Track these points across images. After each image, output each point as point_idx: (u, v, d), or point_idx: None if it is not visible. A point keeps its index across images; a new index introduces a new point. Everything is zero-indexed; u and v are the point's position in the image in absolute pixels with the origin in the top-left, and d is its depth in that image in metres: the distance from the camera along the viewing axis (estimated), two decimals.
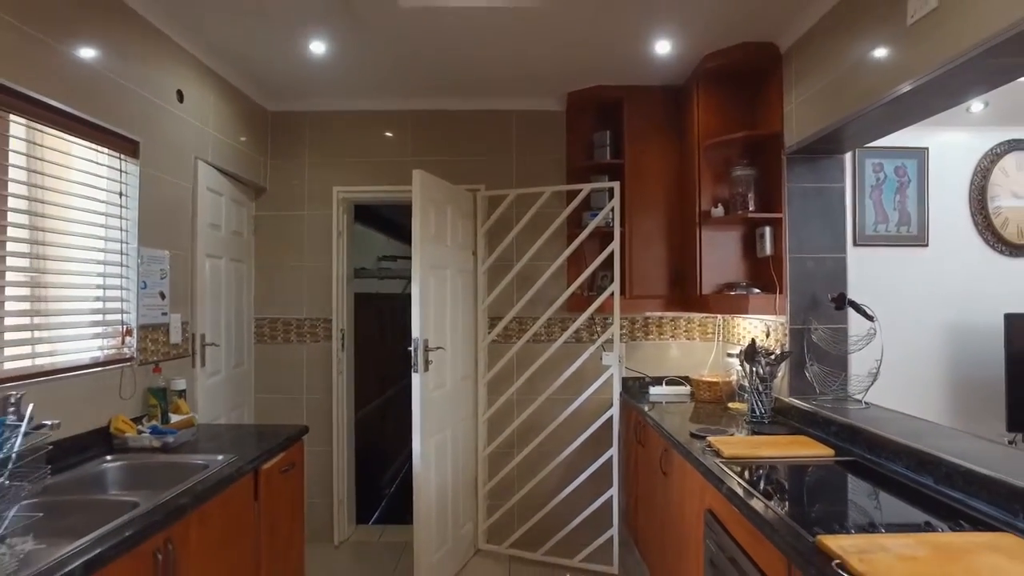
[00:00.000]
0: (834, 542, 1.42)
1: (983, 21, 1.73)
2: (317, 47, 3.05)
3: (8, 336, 2.00)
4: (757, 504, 1.77)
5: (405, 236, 6.23)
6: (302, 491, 2.84)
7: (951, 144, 3.84)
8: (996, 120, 3.81)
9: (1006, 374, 3.46)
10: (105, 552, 1.43)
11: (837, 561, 1.35)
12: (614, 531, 3.49)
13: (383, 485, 5.20)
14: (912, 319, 3.73)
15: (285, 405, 3.80)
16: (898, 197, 3.86)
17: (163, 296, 2.75)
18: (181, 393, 2.73)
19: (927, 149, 3.82)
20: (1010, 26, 1.63)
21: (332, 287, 3.82)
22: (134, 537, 1.54)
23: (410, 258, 6.18)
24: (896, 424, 2.36)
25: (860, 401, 2.78)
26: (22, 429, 1.54)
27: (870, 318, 2.78)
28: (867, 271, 3.67)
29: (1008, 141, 3.91)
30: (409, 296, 5.77)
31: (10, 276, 2.02)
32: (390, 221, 6.00)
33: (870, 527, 1.62)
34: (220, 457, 2.24)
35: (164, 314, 2.77)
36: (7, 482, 1.47)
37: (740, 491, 1.89)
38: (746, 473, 2.10)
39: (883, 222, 3.84)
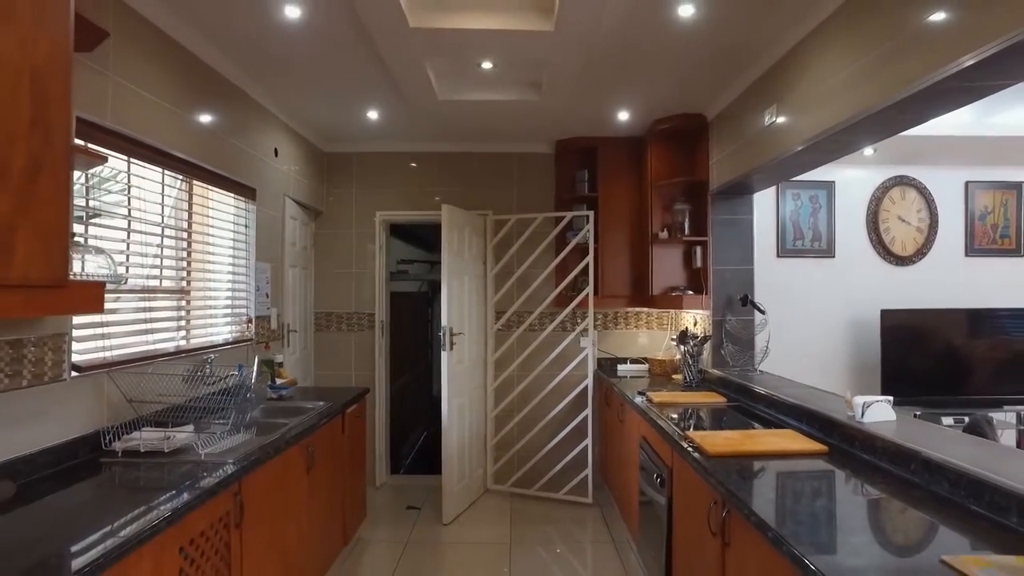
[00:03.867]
0: (694, 434, 2.60)
1: (795, 133, 2.92)
2: (372, 115, 4.22)
3: (195, 322, 3.17)
4: (662, 424, 2.95)
5: (420, 244, 7.42)
6: (365, 433, 4.02)
7: (852, 179, 4.99)
8: (886, 160, 4.96)
9: (881, 354, 4.65)
10: (286, 444, 2.61)
11: (691, 441, 2.52)
12: (588, 471, 4.67)
13: (404, 448, 6.35)
14: (822, 313, 4.89)
15: (337, 380, 4.97)
16: (812, 219, 5.03)
17: (267, 296, 3.92)
18: (280, 364, 3.89)
19: (834, 182, 4.98)
20: (814, 135, 2.81)
21: (375, 287, 4.99)
22: (299, 437, 2.72)
23: (424, 262, 7.35)
24: (768, 382, 3.54)
25: (756, 370, 3.98)
26: (254, 371, 2.73)
27: (763, 312, 3.99)
28: (788, 277, 4.85)
29: (895, 176, 5.07)
30: (424, 294, 6.92)
31: (196, 284, 3.18)
32: (407, 231, 7.13)
33: (719, 428, 2.81)
34: (320, 403, 3.41)
35: (268, 308, 3.94)
36: (252, 395, 2.66)
37: (658, 420, 3.07)
38: (664, 411, 3.28)
39: (800, 239, 5.01)
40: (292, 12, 2.67)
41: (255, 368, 2.97)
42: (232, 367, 3.08)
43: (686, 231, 4.41)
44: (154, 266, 2.84)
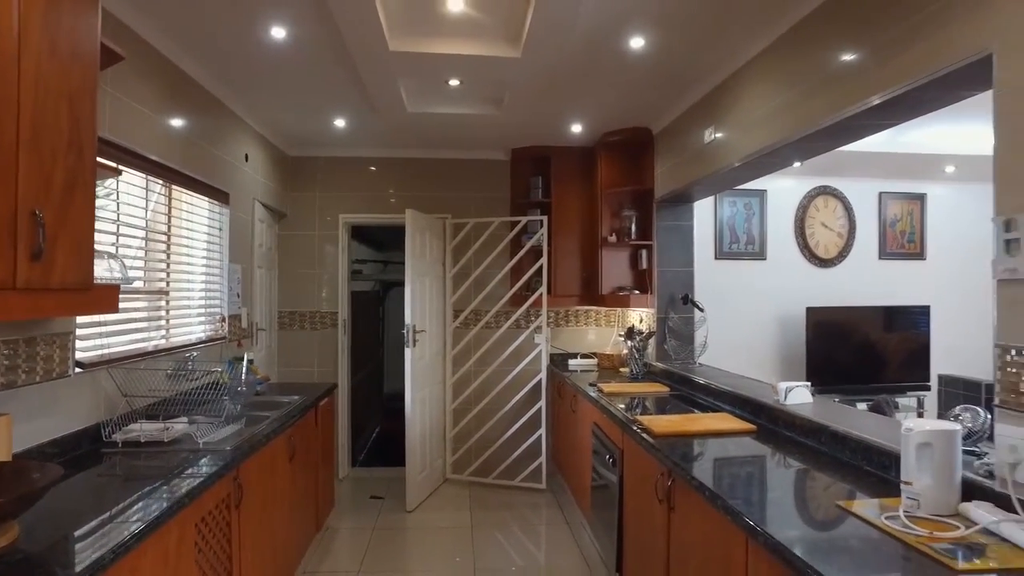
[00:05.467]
0: (642, 418, 2.95)
1: (732, 151, 3.31)
2: (339, 122, 4.42)
3: (175, 321, 3.32)
4: (613, 411, 3.29)
5: (372, 244, 7.60)
6: (334, 426, 4.22)
7: (782, 188, 5.47)
8: (812, 172, 5.43)
9: (805, 347, 5.15)
10: (274, 433, 2.82)
11: (640, 424, 2.87)
12: (543, 459, 5.00)
13: (359, 442, 6.53)
14: (754, 310, 5.35)
15: (299, 376, 5.13)
16: (747, 225, 5.49)
17: (239, 295, 4.08)
18: (251, 361, 4.06)
19: (766, 191, 5.45)
20: (748, 155, 3.20)
21: (337, 287, 5.18)
22: (285, 428, 2.93)
23: (377, 262, 7.53)
24: (707, 373, 3.94)
25: (696, 363, 4.38)
26: (244, 366, 2.92)
27: (702, 310, 4.40)
28: (725, 277, 5.28)
29: (819, 186, 5.59)
30: (375, 293, 7.09)
31: (175, 285, 3.34)
32: (361, 231, 7.28)
33: (663, 413, 3.17)
34: (296, 397, 3.61)
35: (239, 308, 4.10)
36: (243, 388, 2.85)
37: (609, 408, 3.41)
38: (614, 400, 3.62)
39: (736, 242, 5.46)
40: (278, 33, 2.87)
41: (245, 364, 3.16)
42: (215, 363, 3.25)
43: (633, 235, 4.78)
44: (139, 268, 2.99)
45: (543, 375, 5.06)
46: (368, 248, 7.52)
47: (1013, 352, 1.61)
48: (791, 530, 1.63)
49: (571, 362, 5.19)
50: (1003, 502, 1.59)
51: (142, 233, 2.99)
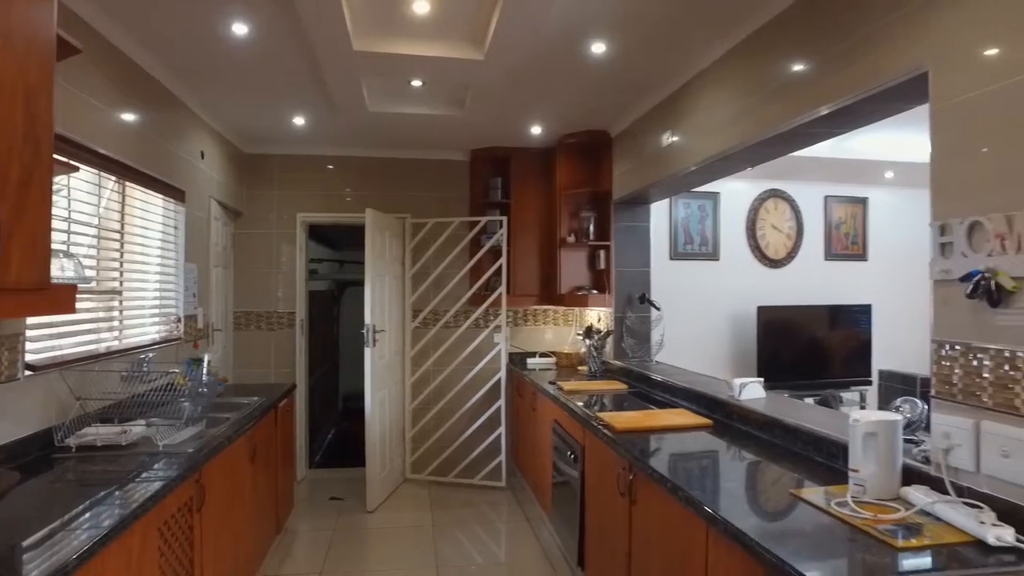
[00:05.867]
0: (603, 415, 3.02)
1: (688, 156, 3.42)
2: (298, 120, 4.37)
3: (128, 322, 3.24)
4: (574, 408, 3.36)
5: (328, 243, 7.51)
6: (294, 427, 4.18)
7: (734, 191, 5.63)
8: (762, 175, 5.61)
9: (756, 344, 5.32)
10: (236, 434, 2.79)
11: (601, 421, 2.94)
12: (502, 457, 5.04)
13: (315, 444, 6.46)
14: (708, 309, 5.49)
15: (255, 378, 5.04)
16: (700, 226, 5.63)
17: (194, 295, 4.00)
18: (209, 362, 3.98)
19: (719, 193, 5.60)
20: (703, 159, 3.30)
21: (295, 287, 5.12)
22: (246, 430, 2.90)
23: (333, 261, 7.46)
24: (663, 370, 4.05)
25: (653, 360, 4.50)
26: (204, 367, 2.87)
27: (658, 309, 4.51)
28: (679, 277, 5.41)
29: (769, 189, 5.77)
30: (330, 292, 7.03)
31: (129, 284, 3.26)
32: (316, 230, 7.19)
33: (622, 410, 3.25)
34: (255, 398, 3.57)
35: (196, 308, 4.01)
36: (204, 390, 2.80)
37: (569, 405, 3.47)
38: (574, 398, 3.69)
39: (690, 243, 5.60)
40: (239, 29, 2.84)
41: (205, 365, 3.11)
42: (172, 364, 3.19)
43: (591, 236, 4.87)
44: (92, 267, 2.91)
45: (502, 374, 5.11)
46: (324, 247, 7.44)
47: (947, 347, 1.73)
48: (748, 517, 1.71)
49: (530, 361, 5.25)
50: (938, 485, 1.71)
51: (94, 231, 2.91)
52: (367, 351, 4.47)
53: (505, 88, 3.61)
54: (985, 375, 1.62)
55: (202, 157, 4.11)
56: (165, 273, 3.67)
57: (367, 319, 4.47)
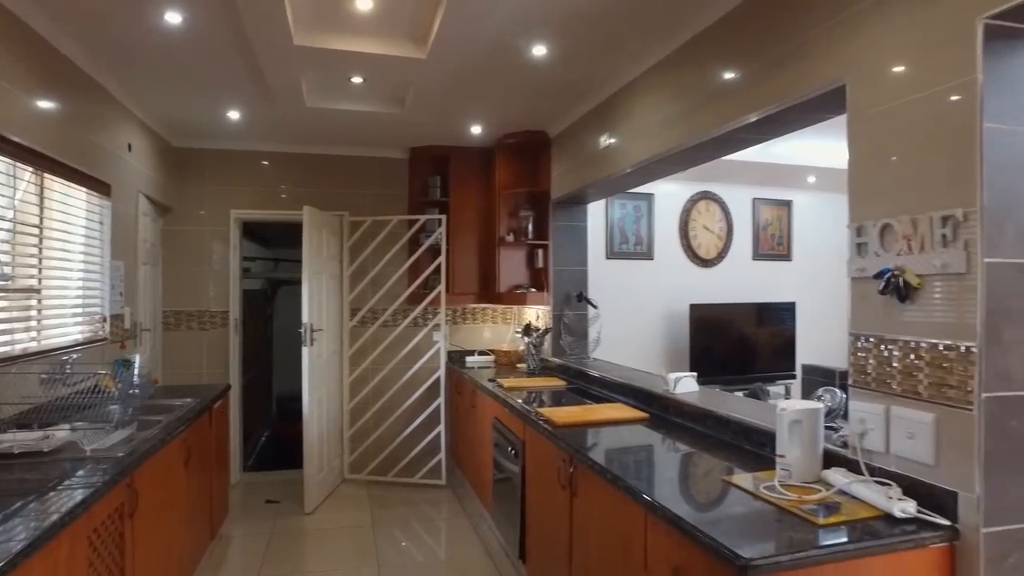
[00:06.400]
0: (543, 410, 3.08)
1: (624, 158, 3.52)
2: (233, 114, 4.25)
3: (48, 322, 3.09)
4: (514, 404, 3.41)
5: (261, 241, 7.33)
6: (229, 429, 4.07)
7: (668, 192, 5.80)
8: (695, 177, 5.79)
9: (689, 341, 5.51)
10: (169, 437, 2.71)
11: (541, 416, 3.00)
12: (442, 455, 5.05)
13: (248, 446, 6.29)
14: (643, 307, 5.63)
15: (186, 379, 4.87)
16: (636, 226, 5.78)
17: (121, 294, 3.84)
18: (139, 364, 3.83)
19: (653, 194, 5.76)
20: (639, 161, 3.41)
21: (228, 285, 4.98)
22: (180, 432, 2.82)
23: (267, 259, 7.29)
24: (601, 367, 4.15)
25: (590, 357, 4.60)
26: (135, 368, 2.76)
27: (595, 307, 4.62)
28: (615, 276, 5.53)
29: (701, 191, 5.97)
30: (263, 291, 6.88)
31: (48, 282, 3.10)
32: (249, 228, 7.00)
33: (562, 405, 3.33)
34: (188, 400, 3.46)
35: (122, 307, 3.85)
36: (135, 391, 2.70)
37: (510, 401, 3.52)
38: (513, 395, 3.74)
39: (626, 243, 5.74)
40: (173, 18, 2.75)
41: (136, 366, 2.98)
42: (99, 366, 3.06)
43: (530, 235, 4.94)
44: (6, 264, 2.76)
45: (441, 372, 5.12)
46: (257, 245, 7.25)
47: (862, 339, 1.87)
48: (684, 503, 1.80)
49: (469, 359, 5.28)
50: (854, 466, 1.84)
51: (8, 225, 2.76)
52: (304, 350, 4.40)
53: (446, 87, 3.63)
54: (894, 364, 1.76)
55: (129, 150, 3.95)
56: (89, 271, 3.51)
57: (304, 318, 4.39)
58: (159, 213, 4.77)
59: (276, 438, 6.71)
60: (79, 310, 3.42)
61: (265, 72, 3.32)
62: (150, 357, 4.45)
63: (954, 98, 1.60)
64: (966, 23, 1.57)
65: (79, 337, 3.40)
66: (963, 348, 1.57)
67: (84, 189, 3.40)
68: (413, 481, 5.04)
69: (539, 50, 3.12)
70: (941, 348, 1.63)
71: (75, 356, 2.98)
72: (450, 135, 4.90)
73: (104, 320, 3.63)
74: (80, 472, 2.12)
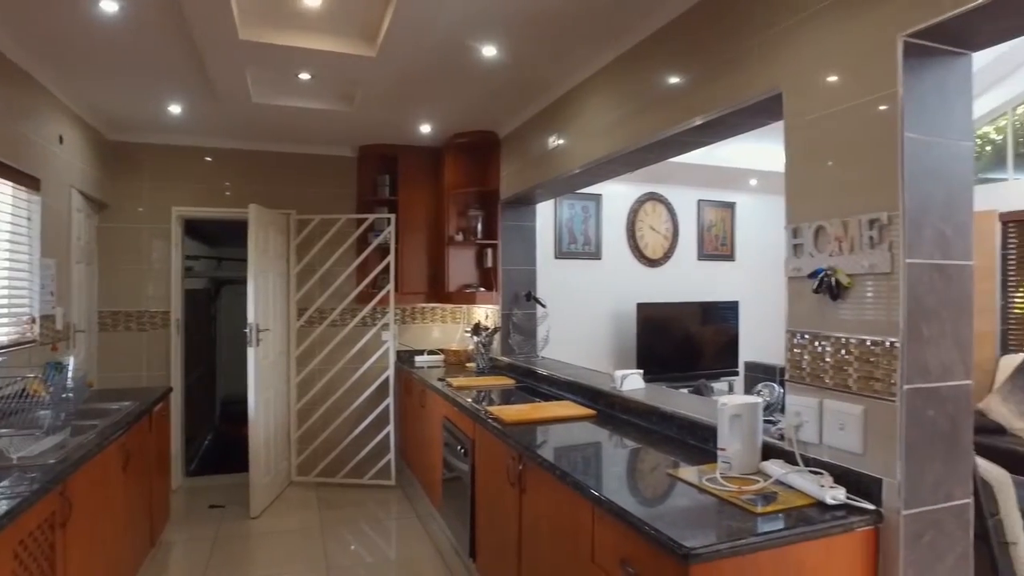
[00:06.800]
0: (492, 408, 3.11)
1: (573, 159, 3.57)
2: (174, 108, 4.13)
3: None
4: (464, 403, 3.42)
5: (204, 239, 7.13)
6: (170, 433, 3.95)
7: (615, 193, 5.90)
8: (642, 179, 5.91)
9: (636, 339, 5.62)
10: (106, 441, 2.62)
11: (490, 415, 3.02)
12: (391, 456, 5.02)
13: (191, 450, 6.12)
14: (591, 306, 5.71)
15: (124, 382, 4.70)
16: (584, 226, 5.86)
17: (52, 294, 3.68)
18: (73, 367, 3.68)
19: (601, 195, 5.85)
20: (587, 162, 3.46)
21: (169, 285, 4.83)
22: (118, 436, 2.73)
23: (211, 258, 7.12)
24: (549, 365, 4.20)
25: (539, 356, 4.65)
26: (69, 371, 2.65)
27: (543, 306, 4.67)
28: (564, 275, 5.60)
29: (648, 193, 6.10)
30: (207, 291, 6.72)
31: None
32: (191, 226, 6.80)
33: (509, 403, 3.36)
34: (126, 403, 3.35)
35: (53, 307, 3.69)
36: (69, 395, 2.59)
37: (459, 400, 3.53)
38: (463, 394, 3.76)
39: (574, 243, 5.81)
40: (108, 6, 2.65)
41: (71, 369, 2.86)
42: (27, 369, 2.93)
43: (479, 235, 4.96)
44: None
45: (390, 372, 5.09)
46: (200, 243, 7.05)
47: (798, 336, 1.96)
48: (630, 497, 1.85)
49: (418, 359, 5.26)
50: (790, 458, 1.93)
51: None
52: (250, 351, 4.31)
53: (396, 86, 3.61)
54: (827, 359, 1.85)
55: (60, 142, 3.79)
56: (15, 269, 3.35)
57: (250, 318, 4.30)
58: (94, 209, 4.59)
59: (221, 441, 6.54)
60: (3, 311, 3.27)
61: (208, 66, 3.23)
62: (85, 359, 4.28)
63: (878, 109, 1.70)
64: (888, 40, 1.67)
65: (4, 339, 3.25)
66: (888, 343, 1.67)
67: (9, 183, 3.25)
68: (362, 482, 4.99)
69: (489, 51, 3.14)
70: (869, 344, 1.73)
71: (0, 359, 2.84)
72: (399, 134, 4.87)
73: (33, 321, 3.47)
74: (5, 482, 2.03)
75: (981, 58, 4.66)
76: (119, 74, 3.51)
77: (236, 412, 5.95)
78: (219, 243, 7.60)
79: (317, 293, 5.10)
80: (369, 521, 4.34)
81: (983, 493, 1.89)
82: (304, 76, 3.44)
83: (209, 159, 4.97)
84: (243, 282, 4.40)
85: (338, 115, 4.21)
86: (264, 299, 4.53)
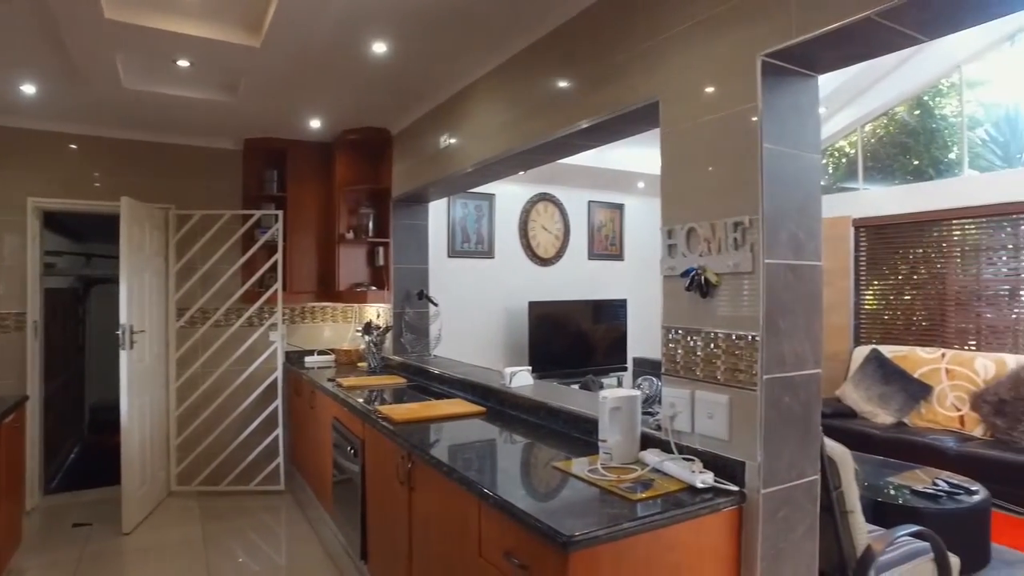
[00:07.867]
0: (382, 408, 3.08)
1: (464, 158, 3.60)
2: (27, 88, 3.76)
3: None
4: (353, 403, 3.37)
5: (69, 234, 6.57)
6: (24, 447, 3.61)
7: (508, 193, 5.99)
8: (534, 179, 6.04)
9: (528, 337, 5.73)
10: None
11: (380, 414, 2.99)
12: (280, 460, 4.84)
13: (53, 465, 5.62)
14: (483, 304, 5.77)
15: None
16: (477, 225, 5.90)
17: None
18: None
19: (494, 195, 5.91)
20: (478, 162, 3.49)
21: (25, 283, 4.41)
22: None
23: (77, 255, 6.61)
24: (441, 364, 4.21)
25: (431, 354, 4.65)
26: None
27: (436, 305, 4.68)
28: (457, 274, 5.62)
29: (540, 193, 6.24)
30: (73, 290, 6.26)
31: None
32: (54, 219, 6.25)
33: (401, 402, 3.34)
34: None
35: None
36: None
37: (349, 400, 3.47)
38: (353, 394, 3.69)
39: (467, 241, 5.84)
40: None
41: None
42: None
43: (370, 233, 4.89)
44: None
45: (279, 373, 4.92)
46: (64, 239, 6.48)
47: (673, 331, 2.08)
48: (516, 490, 1.91)
49: (308, 359, 5.11)
50: (666, 446, 2.05)
51: None
52: (123, 354, 4.02)
53: (283, 78, 3.49)
54: (698, 353, 1.99)
55: None
56: None
57: (122, 319, 4.01)
58: None
59: (89, 453, 6.07)
60: None
61: (70, 45, 2.98)
62: None
63: (741, 121, 1.85)
64: (749, 58, 1.82)
65: None
66: (750, 337, 1.81)
67: None
68: (250, 489, 4.79)
69: (379, 47, 3.10)
70: (734, 338, 1.87)
71: None
72: (288, 128, 4.71)
73: None
74: None
75: (834, 79, 5.12)
76: None
77: (108, 420, 5.55)
78: (88, 239, 7.03)
79: (199, 292, 4.83)
80: (257, 529, 4.18)
81: (828, 469, 2.09)
82: (182, 63, 3.25)
83: (74, 147, 4.59)
84: (116, 281, 4.10)
85: (221, 105, 4.02)
86: (139, 299, 4.25)
